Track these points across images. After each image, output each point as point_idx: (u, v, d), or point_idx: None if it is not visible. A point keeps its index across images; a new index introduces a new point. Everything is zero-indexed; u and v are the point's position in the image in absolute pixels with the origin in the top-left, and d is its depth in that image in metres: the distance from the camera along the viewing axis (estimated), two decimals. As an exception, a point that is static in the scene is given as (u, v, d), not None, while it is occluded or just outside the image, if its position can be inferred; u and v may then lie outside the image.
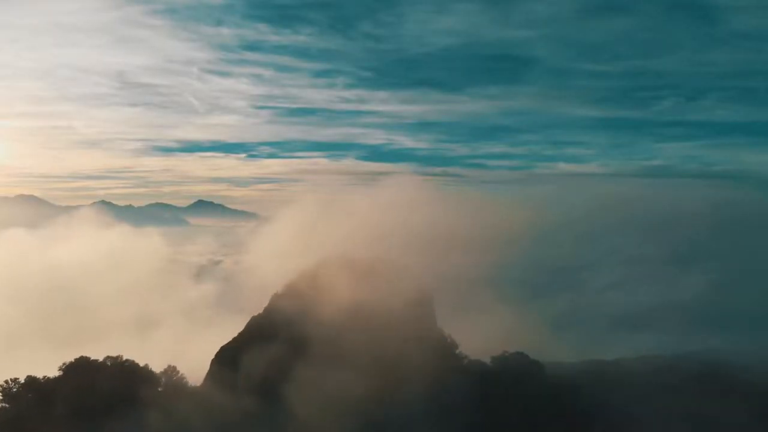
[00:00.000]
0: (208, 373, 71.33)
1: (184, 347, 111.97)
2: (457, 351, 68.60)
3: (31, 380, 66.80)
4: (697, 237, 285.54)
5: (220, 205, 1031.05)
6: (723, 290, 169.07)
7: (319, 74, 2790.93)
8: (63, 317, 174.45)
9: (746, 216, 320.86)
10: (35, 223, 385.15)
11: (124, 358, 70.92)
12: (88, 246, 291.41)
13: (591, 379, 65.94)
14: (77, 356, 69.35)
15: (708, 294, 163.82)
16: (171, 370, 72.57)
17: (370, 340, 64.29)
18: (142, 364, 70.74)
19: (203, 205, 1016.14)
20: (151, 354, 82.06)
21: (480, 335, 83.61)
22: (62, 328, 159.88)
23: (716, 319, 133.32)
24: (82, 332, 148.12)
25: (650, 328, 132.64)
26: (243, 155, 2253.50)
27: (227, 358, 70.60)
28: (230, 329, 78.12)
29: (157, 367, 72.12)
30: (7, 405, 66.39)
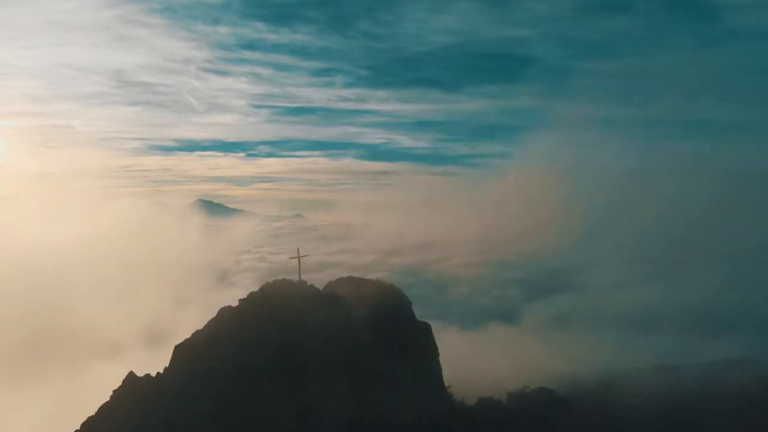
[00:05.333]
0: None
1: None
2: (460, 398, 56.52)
3: None
4: (699, 236, 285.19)
5: (220, 205, 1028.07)
6: (729, 290, 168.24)
7: (317, 73, 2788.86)
8: (34, 319, 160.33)
9: (748, 215, 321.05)
10: (34, 222, 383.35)
11: None
12: (83, 243, 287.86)
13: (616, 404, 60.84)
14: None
15: (714, 294, 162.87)
16: None
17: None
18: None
19: (203, 205, 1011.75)
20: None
21: (493, 362, 78.25)
22: (38, 335, 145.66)
23: (724, 320, 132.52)
24: (72, 343, 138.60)
25: (658, 331, 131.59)
26: (242, 154, 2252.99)
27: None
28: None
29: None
30: None
